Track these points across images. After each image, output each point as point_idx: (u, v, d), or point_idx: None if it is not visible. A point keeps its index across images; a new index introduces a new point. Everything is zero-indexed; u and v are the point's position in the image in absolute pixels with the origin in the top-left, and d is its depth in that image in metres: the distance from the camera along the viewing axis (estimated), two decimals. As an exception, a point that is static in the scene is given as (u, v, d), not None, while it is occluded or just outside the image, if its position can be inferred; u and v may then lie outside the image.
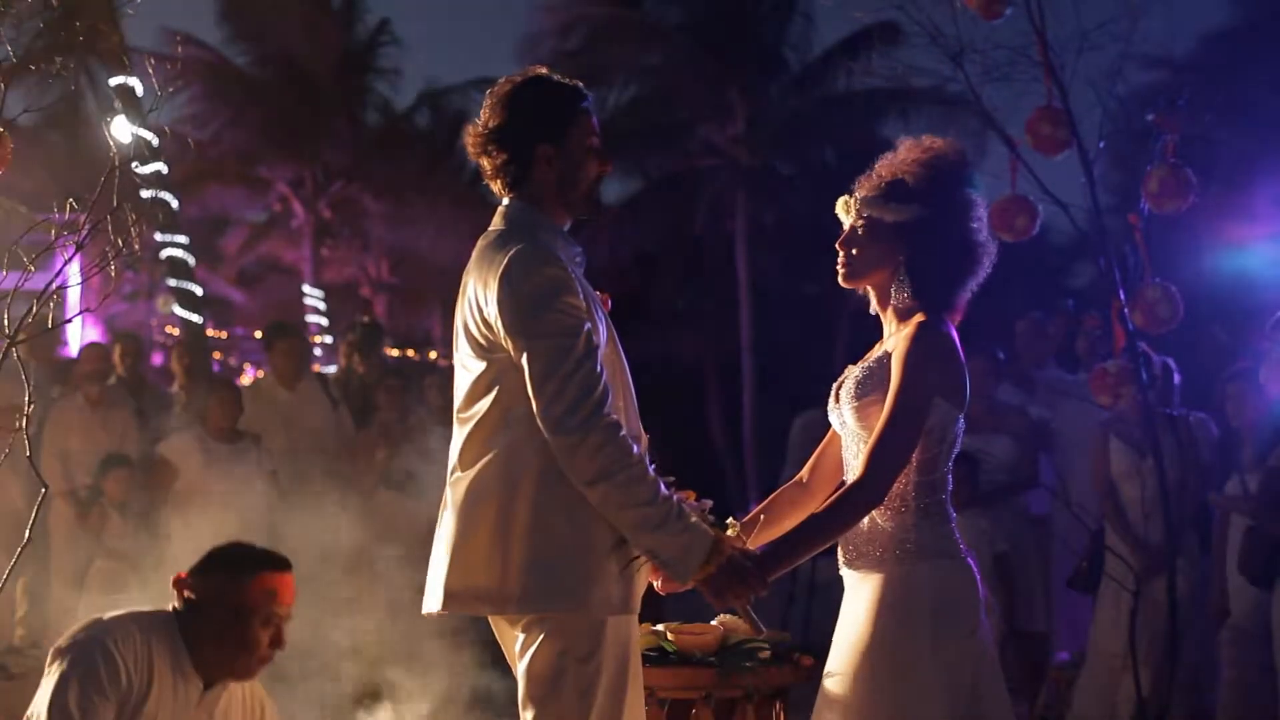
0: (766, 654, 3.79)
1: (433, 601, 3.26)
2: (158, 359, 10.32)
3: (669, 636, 3.82)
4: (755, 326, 18.77)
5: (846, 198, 3.47)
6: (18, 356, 3.98)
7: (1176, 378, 6.62)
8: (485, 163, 3.33)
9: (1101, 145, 5.53)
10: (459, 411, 3.29)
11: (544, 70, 3.38)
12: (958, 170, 3.44)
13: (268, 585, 3.32)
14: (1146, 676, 5.75)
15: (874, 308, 3.53)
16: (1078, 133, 5.43)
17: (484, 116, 3.32)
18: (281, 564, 3.41)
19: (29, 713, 3.19)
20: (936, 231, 3.38)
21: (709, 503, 3.29)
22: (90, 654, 3.17)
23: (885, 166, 3.46)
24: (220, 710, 3.38)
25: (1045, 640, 7.17)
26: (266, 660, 3.34)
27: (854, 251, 3.43)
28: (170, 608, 3.35)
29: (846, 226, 3.46)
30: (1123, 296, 5.45)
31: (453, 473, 3.27)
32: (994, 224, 5.55)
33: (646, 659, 3.68)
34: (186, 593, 3.33)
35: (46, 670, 3.21)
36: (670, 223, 20.17)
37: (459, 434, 3.28)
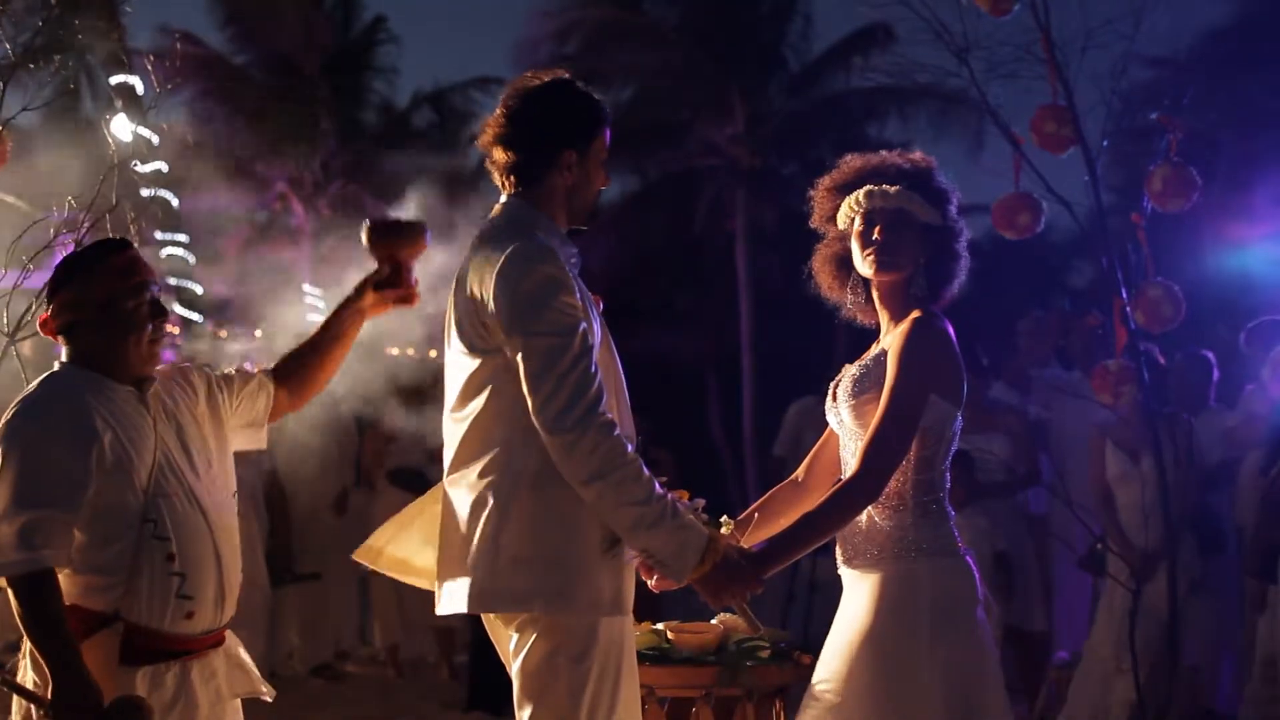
0: (766, 653, 3.79)
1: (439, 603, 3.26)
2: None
3: (669, 636, 3.81)
4: (755, 326, 18.75)
5: (874, 186, 3.41)
6: (17, 356, 3.98)
7: (1215, 373, 6.62)
8: (500, 155, 3.30)
9: (1105, 144, 5.52)
10: (451, 410, 3.27)
11: (569, 75, 3.36)
12: (952, 190, 3.47)
13: (115, 266, 3.24)
14: (1142, 678, 5.74)
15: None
16: (1082, 130, 5.42)
17: (509, 107, 3.29)
18: (119, 245, 3.34)
19: None
20: (949, 239, 3.42)
21: (701, 502, 3.30)
22: (13, 447, 3.08)
23: (881, 164, 3.45)
24: (166, 400, 3.30)
25: (1044, 640, 7.16)
26: (159, 338, 3.28)
27: (892, 240, 3.37)
28: (56, 364, 3.26)
29: (872, 211, 3.39)
30: (1125, 295, 5.44)
31: (448, 472, 3.26)
32: (997, 221, 5.56)
33: (647, 658, 3.67)
34: (56, 325, 3.25)
35: None
36: (670, 223, 20.14)
37: (451, 432, 3.27)
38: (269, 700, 3.47)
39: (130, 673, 3.12)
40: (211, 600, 3.23)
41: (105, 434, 3.12)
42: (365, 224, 3.59)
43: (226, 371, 3.52)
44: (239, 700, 3.42)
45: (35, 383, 3.23)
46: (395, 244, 3.58)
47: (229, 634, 3.36)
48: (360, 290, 3.60)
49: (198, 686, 3.23)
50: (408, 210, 3.67)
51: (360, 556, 3.49)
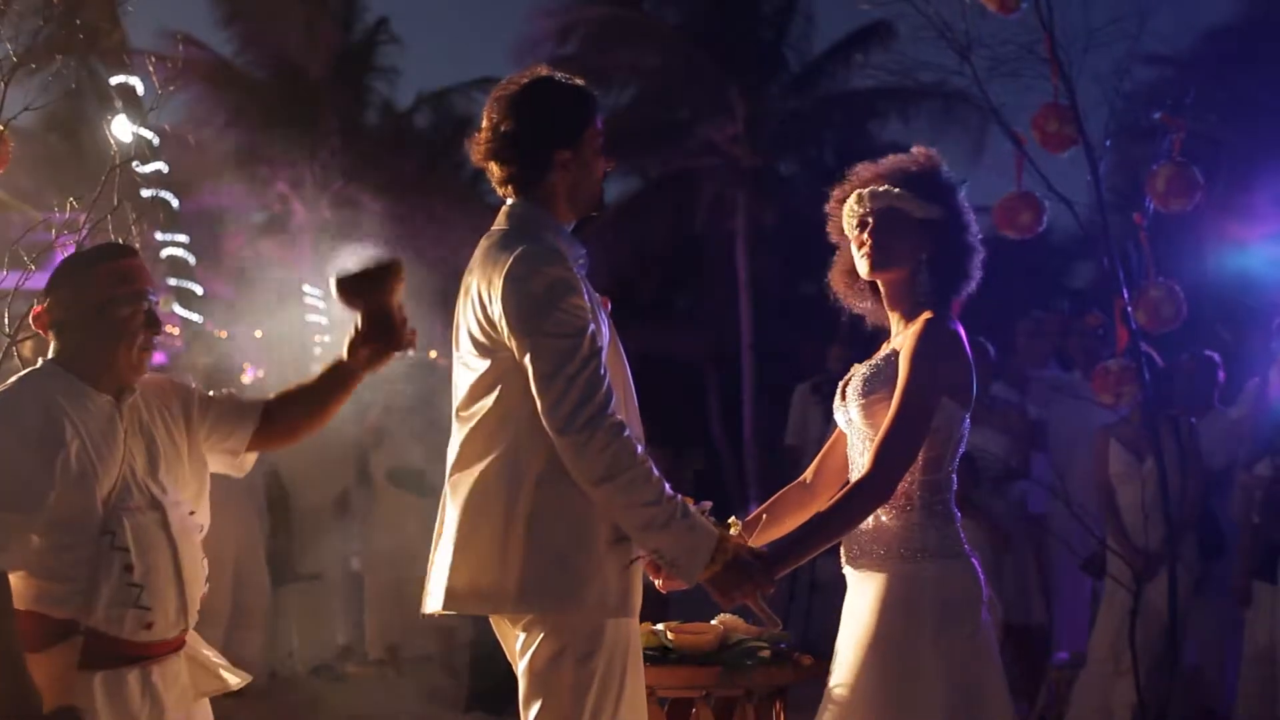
0: (766, 653, 3.79)
1: (434, 601, 3.26)
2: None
3: (669, 636, 3.81)
4: (755, 326, 18.75)
5: (863, 189, 3.42)
6: (18, 356, 3.98)
7: (1220, 374, 6.60)
8: (496, 168, 3.28)
9: (1108, 143, 5.52)
10: (459, 410, 3.28)
11: (548, 71, 3.32)
12: (955, 181, 3.46)
13: (115, 271, 3.20)
14: (1143, 679, 5.74)
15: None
16: (1084, 130, 5.42)
17: (493, 120, 3.26)
18: (123, 250, 3.30)
19: None
20: (953, 232, 3.39)
21: (708, 504, 3.30)
22: None
23: (887, 169, 3.45)
24: (143, 413, 3.27)
25: (1042, 634, 7.15)
26: (148, 348, 3.24)
27: (881, 239, 3.38)
28: (41, 361, 3.24)
29: (865, 214, 3.40)
30: (1126, 295, 5.44)
31: (452, 471, 3.27)
32: (999, 220, 5.56)
33: (647, 658, 3.67)
34: (48, 320, 3.22)
35: None
36: (670, 223, 20.14)
37: (458, 432, 3.27)
38: (237, 688, 3.45)
39: (88, 677, 3.11)
40: (172, 611, 3.22)
41: (73, 442, 3.10)
42: (333, 279, 3.36)
43: (213, 393, 3.48)
44: (207, 700, 3.41)
45: (13, 379, 3.21)
46: (370, 293, 3.37)
47: (190, 636, 3.35)
48: (350, 351, 3.43)
49: (161, 689, 3.22)
50: (373, 252, 3.38)
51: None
